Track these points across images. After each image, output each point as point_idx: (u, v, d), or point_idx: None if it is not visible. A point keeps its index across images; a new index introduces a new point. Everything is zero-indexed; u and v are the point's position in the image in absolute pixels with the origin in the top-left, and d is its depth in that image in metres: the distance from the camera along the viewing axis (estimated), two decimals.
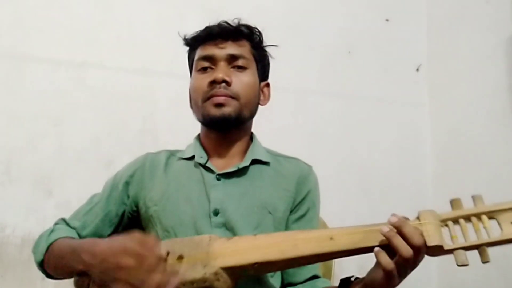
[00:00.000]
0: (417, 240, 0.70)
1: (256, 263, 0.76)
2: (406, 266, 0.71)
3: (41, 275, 0.95)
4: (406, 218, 0.75)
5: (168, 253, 0.79)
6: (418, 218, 0.74)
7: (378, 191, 1.99)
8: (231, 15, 1.06)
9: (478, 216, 0.73)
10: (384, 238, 0.72)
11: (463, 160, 1.90)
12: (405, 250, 0.70)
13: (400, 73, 2.15)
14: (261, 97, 1.07)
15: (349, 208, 1.90)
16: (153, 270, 0.72)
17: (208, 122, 1.00)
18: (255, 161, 1.01)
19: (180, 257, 0.78)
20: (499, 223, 0.72)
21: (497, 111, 1.75)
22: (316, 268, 1.00)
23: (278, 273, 0.99)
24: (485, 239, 0.71)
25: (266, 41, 1.08)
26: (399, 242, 0.70)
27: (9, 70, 1.70)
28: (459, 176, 1.88)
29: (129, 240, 0.75)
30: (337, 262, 1.19)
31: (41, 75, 1.72)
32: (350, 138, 2.03)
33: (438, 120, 2.09)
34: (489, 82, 1.81)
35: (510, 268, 1.61)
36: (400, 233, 0.71)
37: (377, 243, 0.73)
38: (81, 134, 1.72)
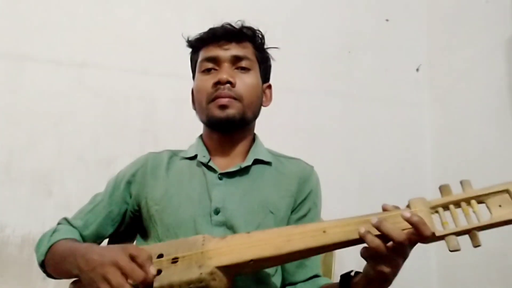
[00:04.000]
0: (396, 236, 0.70)
1: (252, 260, 0.76)
2: (398, 252, 0.72)
3: (41, 275, 0.95)
4: (397, 207, 0.75)
5: (162, 256, 0.79)
6: (408, 206, 0.75)
7: (378, 191, 1.99)
8: (231, 16, 1.06)
9: (467, 201, 0.74)
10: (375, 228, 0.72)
11: (463, 160, 1.90)
12: (397, 233, 0.70)
13: (400, 73, 2.15)
14: (263, 99, 1.08)
15: (349, 208, 1.89)
16: None
17: (212, 124, 1.00)
18: (257, 161, 1.02)
19: (175, 259, 0.78)
20: (488, 207, 0.72)
21: (497, 111, 1.75)
22: (317, 267, 1.00)
23: (279, 272, 0.99)
24: (475, 223, 0.71)
25: (267, 41, 1.09)
26: (389, 227, 0.71)
27: (9, 70, 1.70)
28: (459, 176, 1.87)
29: (121, 253, 0.74)
30: (337, 261, 1.19)
31: (41, 75, 1.72)
32: (350, 138, 2.03)
33: (438, 120, 2.09)
34: (489, 82, 1.81)
35: (510, 268, 1.61)
36: (380, 231, 0.71)
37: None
38: (81, 134, 1.72)
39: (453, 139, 1.99)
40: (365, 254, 0.74)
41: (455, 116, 1.99)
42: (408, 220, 0.71)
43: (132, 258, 0.73)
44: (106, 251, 0.77)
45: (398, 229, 0.71)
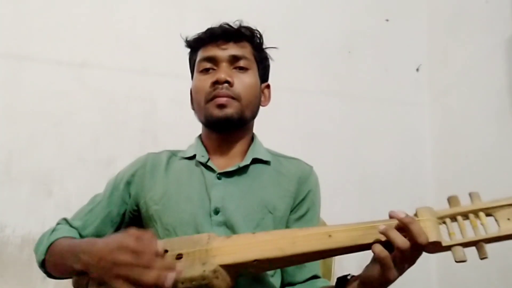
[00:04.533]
0: (422, 239, 0.71)
1: (255, 260, 0.76)
2: (403, 259, 0.72)
3: (41, 275, 0.95)
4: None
5: (166, 251, 0.79)
6: (415, 214, 0.75)
7: (378, 191, 1.99)
8: (231, 16, 1.06)
9: (475, 213, 0.73)
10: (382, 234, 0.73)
11: (463, 160, 1.90)
12: (401, 242, 0.71)
13: (400, 73, 2.15)
14: (262, 98, 1.08)
15: (349, 208, 1.90)
16: (150, 264, 0.71)
17: (210, 123, 1.00)
18: (255, 160, 1.02)
19: (179, 255, 0.78)
20: (496, 220, 0.72)
21: (497, 111, 1.75)
22: (316, 268, 1.00)
23: (278, 273, 0.99)
24: (482, 235, 0.71)
25: (266, 41, 1.09)
26: (395, 235, 0.71)
27: (9, 70, 1.70)
28: (459, 176, 1.88)
29: (125, 236, 0.75)
30: (337, 262, 1.19)
31: (41, 75, 1.72)
32: (350, 138, 2.03)
33: (438, 120, 2.09)
34: (489, 82, 1.81)
35: (510, 268, 1.61)
36: (408, 230, 0.71)
37: (375, 240, 0.73)
38: (81, 134, 1.73)
39: (453, 139, 1.99)
40: (385, 255, 0.72)
41: (455, 116, 1.99)
42: (401, 220, 0.72)
43: (137, 238, 0.73)
44: (109, 239, 0.77)
45: (424, 232, 0.71)
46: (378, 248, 0.72)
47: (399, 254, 0.71)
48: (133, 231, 0.75)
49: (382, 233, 0.72)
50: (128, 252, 0.72)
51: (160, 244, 0.77)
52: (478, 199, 0.74)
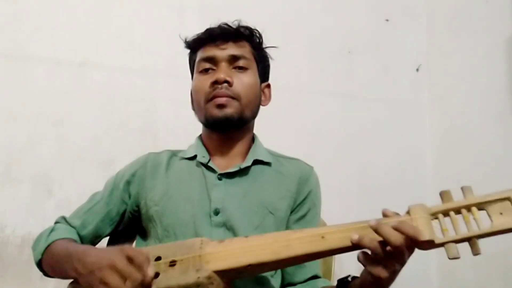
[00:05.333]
0: (394, 241, 0.70)
1: (249, 265, 0.76)
2: (395, 257, 0.71)
3: (40, 275, 0.96)
4: (397, 214, 0.75)
5: (160, 258, 0.79)
6: (408, 213, 0.74)
7: (378, 191, 1.99)
8: (231, 16, 1.06)
9: (468, 208, 0.73)
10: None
11: (463, 160, 1.90)
12: (373, 245, 0.71)
13: (400, 73, 2.15)
14: (262, 98, 1.08)
15: (349, 208, 1.90)
16: None
17: (210, 124, 1.00)
18: (256, 162, 1.02)
19: (173, 262, 0.78)
20: (489, 215, 0.72)
21: (497, 111, 1.75)
22: (316, 268, 1.00)
23: (278, 273, 0.99)
24: (475, 231, 0.70)
25: (266, 41, 1.09)
26: (387, 231, 0.71)
27: (9, 70, 1.70)
28: (458, 176, 1.88)
29: (118, 255, 0.74)
30: (337, 262, 1.19)
31: (41, 75, 1.72)
32: (350, 138, 2.03)
33: (438, 120, 2.09)
34: (489, 82, 1.81)
35: (510, 268, 1.61)
36: (401, 232, 0.70)
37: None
38: (81, 134, 1.72)
39: (453, 139, 1.99)
40: (362, 258, 0.73)
41: (455, 116, 1.99)
42: (371, 227, 0.71)
43: (130, 260, 0.72)
44: (103, 254, 0.76)
45: (396, 233, 0.70)
46: (367, 239, 0.71)
47: (393, 251, 0.70)
48: (128, 250, 0.74)
49: (373, 229, 0.71)
50: (117, 273, 0.71)
51: (154, 252, 0.77)
52: (470, 193, 0.74)
